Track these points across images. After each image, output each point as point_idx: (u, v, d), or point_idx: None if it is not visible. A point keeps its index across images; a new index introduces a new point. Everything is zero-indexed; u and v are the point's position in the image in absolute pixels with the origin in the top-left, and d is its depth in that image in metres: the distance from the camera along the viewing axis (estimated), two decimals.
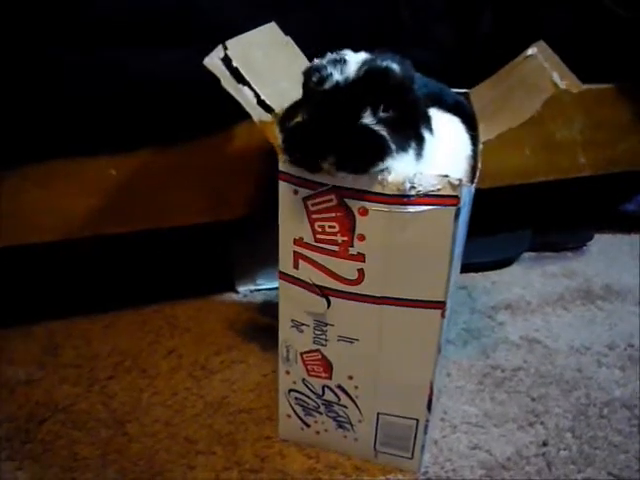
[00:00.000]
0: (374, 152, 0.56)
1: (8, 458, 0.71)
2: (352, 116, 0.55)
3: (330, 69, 0.57)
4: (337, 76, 0.57)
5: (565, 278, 1.08)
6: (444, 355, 0.86)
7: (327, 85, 0.57)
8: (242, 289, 1.01)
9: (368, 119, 0.56)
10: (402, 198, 0.56)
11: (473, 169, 0.63)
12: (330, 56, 0.60)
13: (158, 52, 0.78)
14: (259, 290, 1.01)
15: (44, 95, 0.75)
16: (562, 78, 0.61)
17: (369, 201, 0.57)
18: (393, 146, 0.56)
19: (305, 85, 0.60)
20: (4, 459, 0.71)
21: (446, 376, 0.84)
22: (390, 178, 0.56)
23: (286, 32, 0.74)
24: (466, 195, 0.57)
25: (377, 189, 0.57)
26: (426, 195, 0.56)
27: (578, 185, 1.05)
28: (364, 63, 0.58)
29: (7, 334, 0.88)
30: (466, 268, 1.06)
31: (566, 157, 1.02)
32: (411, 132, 0.60)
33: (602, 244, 1.18)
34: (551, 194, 1.08)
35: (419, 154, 0.60)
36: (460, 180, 0.55)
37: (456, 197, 0.56)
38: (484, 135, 0.64)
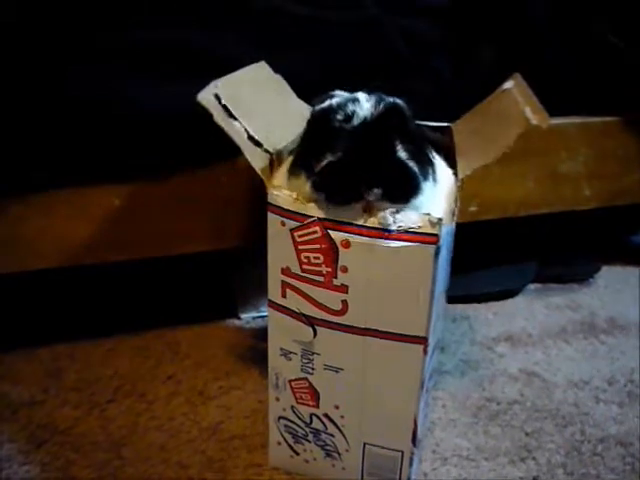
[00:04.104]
0: (414, 184, 0.59)
1: (6, 478, 0.72)
2: (390, 150, 0.58)
3: (351, 107, 0.60)
4: (362, 113, 0.59)
5: (569, 310, 1.07)
6: (439, 387, 0.87)
7: (355, 122, 0.59)
8: (245, 316, 1.03)
9: (402, 153, 0.59)
10: (383, 232, 0.58)
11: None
12: (341, 96, 0.62)
13: (159, 85, 0.80)
14: (262, 317, 1.02)
15: (47, 123, 0.77)
16: (534, 113, 0.61)
17: (351, 233, 0.58)
18: (422, 177, 0.60)
19: (325, 124, 0.61)
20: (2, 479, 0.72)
21: (441, 407, 0.84)
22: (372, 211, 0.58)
23: (285, 69, 0.76)
24: (445, 233, 0.58)
25: (359, 222, 0.58)
26: (407, 232, 0.57)
27: (584, 217, 1.05)
28: (376, 100, 0.60)
29: (13, 356, 0.90)
30: (469, 299, 1.07)
31: (571, 189, 1.02)
32: (426, 159, 0.63)
33: (610, 276, 1.17)
34: (556, 226, 1.08)
35: (435, 179, 0.63)
36: (440, 219, 0.56)
37: (436, 235, 0.57)
38: (461, 171, 0.65)
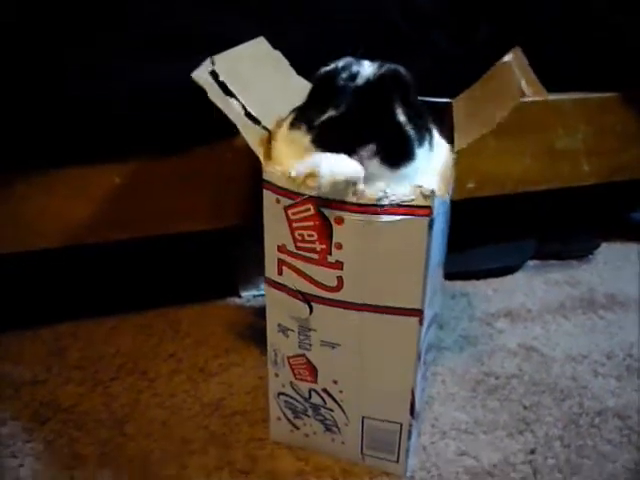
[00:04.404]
0: (408, 147, 0.60)
1: (11, 455, 0.73)
2: (389, 111, 0.59)
3: (356, 67, 0.62)
4: (365, 73, 0.61)
5: (568, 286, 1.08)
6: (439, 362, 0.87)
7: (359, 81, 0.60)
8: (245, 294, 1.03)
9: (401, 117, 0.60)
10: (376, 208, 0.58)
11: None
12: (346, 59, 0.63)
13: (160, 65, 0.80)
14: (262, 295, 1.03)
15: (48, 103, 0.77)
16: (529, 84, 0.61)
17: (344, 210, 0.59)
18: (417, 143, 0.60)
19: (330, 83, 0.62)
20: (7, 456, 0.73)
21: (440, 382, 0.85)
22: (364, 188, 0.58)
23: (286, 45, 0.76)
24: (440, 206, 0.58)
25: (351, 199, 0.58)
26: (399, 205, 0.57)
27: (583, 193, 1.05)
28: (380, 65, 0.62)
29: (15, 335, 0.92)
30: (469, 275, 1.07)
31: (569, 165, 1.02)
32: (424, 126, 0.64)
33: (609, 253, 1.17)
34: (556, 202, 1.08)
35: (431, 146, 0.64)
36: (432, 191, 0.57)
37: (429, 207, 0.57)
38: (458, 144, 0.65)
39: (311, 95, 0.65)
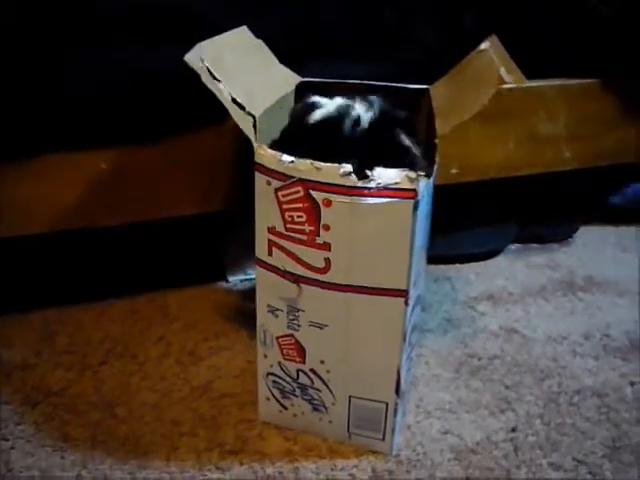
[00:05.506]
0: None
1: (2, 438, 0.74)
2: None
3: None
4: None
5: (549, 269, 1.10)
6: (423, 344, 0.89)
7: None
8: (232, 279, 1.05)
9: None
10: (363, 190, 0.59)
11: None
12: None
13: (149, 51, 0.81)
14: (249, 280, 1.04)
15: (42, 93, 0.77)
16: (508, 72, 0.63)
17: (332, 192, 0.60)
18: None
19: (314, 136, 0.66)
20: None
21: (424, 364, 0.87)
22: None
23: (272, 34, 0.77)
24: (424, 189, 0.60)
25: (339, 181, 0.60)
26: (385, 188, 0.59)
27: (563, 178, 1.07)
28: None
29: (5, 320, 0.92)
30: (451, 259, 1.09)
31: (550, 151, 1.04)
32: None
33: (588, 236, 1.20)
34: (537, 187, 1.10)
35: None
36: (418, 174, 0.58)
37: (414, 190, 0.58)
38: (439, 129, 0.66)
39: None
